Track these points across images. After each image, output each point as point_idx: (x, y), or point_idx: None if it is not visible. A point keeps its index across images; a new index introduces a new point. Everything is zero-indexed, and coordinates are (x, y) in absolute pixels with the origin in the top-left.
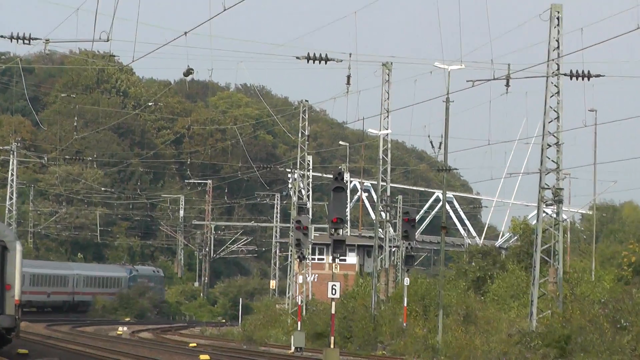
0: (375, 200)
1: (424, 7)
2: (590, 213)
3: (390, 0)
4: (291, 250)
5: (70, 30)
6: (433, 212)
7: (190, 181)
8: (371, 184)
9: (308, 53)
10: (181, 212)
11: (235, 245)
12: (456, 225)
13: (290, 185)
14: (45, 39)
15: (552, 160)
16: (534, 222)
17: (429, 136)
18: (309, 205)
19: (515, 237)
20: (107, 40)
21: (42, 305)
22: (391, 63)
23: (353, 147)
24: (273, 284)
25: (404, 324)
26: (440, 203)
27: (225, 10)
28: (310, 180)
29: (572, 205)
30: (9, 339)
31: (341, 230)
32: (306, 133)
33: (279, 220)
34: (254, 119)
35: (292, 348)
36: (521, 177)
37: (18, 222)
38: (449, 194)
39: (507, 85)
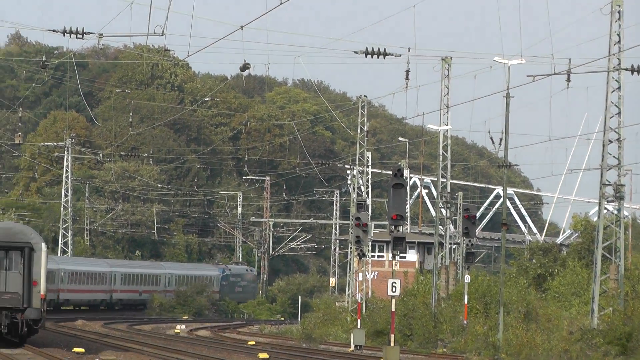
0: (436, 197)
1: (483, 1)
2: None
3: None
4: (351, 248)
5: (124, 24)
6: (494, 209)
7: (247, 178)
8: (431, 180)
9: (366, 47)
10: (239, 209)
11: (294, 243)
12: (517, 222)
13: (349, 182)
14: (99, 33)
15: (614, 157)
16: (595, 218)
17: (489, 132)
18: (369, 202)
19: (576, 234)
20: (162, 35)
21: (134, 304)
22: (451, 58)
23: (412, 143)
24: (332, 281)
25: (465, 322)
26: (501, 199)
27: (281, 3)
28: (370, 176)
29: (634, 202)
30: (36, 330)
31: (401, 227)
32: (365, 129)
33: (338, 217)
34: (312, 114)
35: (352, 346)
36: (582, 173)
37: (73, 219)
38: (510, 191)
39: (568, 80)
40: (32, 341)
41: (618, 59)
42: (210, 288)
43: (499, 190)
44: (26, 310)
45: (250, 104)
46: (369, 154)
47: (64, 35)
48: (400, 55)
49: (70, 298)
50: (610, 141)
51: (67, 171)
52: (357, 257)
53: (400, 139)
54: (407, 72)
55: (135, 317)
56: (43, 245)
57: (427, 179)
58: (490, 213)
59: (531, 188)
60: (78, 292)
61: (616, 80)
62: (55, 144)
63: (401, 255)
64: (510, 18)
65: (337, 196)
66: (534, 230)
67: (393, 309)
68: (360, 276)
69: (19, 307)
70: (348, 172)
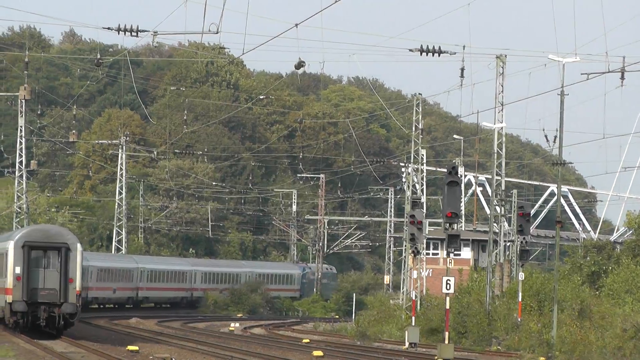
0: (490, 195)
1: None
2: None
3: None
4: (405, 245)
5: (179, 22)
6: (548, 207)
7: (302, 175)
8: (485, 178)
9: (421, 45)
10: (294, 207)
11: (348, 240)
12: (571, 220)
13: (404, 180)
14: (153, 31)
15: None
16: None
17: (543, 129)
18: (423, 199)
19: (631, 232)
20: (217, 32)
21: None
22: (505, 55)
23: (467, 141)
24: (387, 279)
25: (519, 319)
26: (555, 197)
27: (336, 1)
28: (424, 174)
29: None
30: (72, 323)
31: (455, 224)
32: (420, 126)
33: (392, 215)
34: (367, 112)
35: (406, 344)
36: (637, 170)
37: (128, 217)
38: (564, 188)
39: (622, 78)
40: (69, 333)
41: None
42: (290, 286)
43: (553, 187)
44: (63, 305)
45: (305, 102)
46: (423, 152)
47: (118, 33)
48: (455, 53)
49: (150, 296)
50: None
51: (121, 169)
52: (412, 254)
53: (455, 136)
54: (462, 69)
55: (190, 315)
56: (79, 245)
57: (482, 177)
58: (545, 211)
59: (585, 186)
60: (158, 289)
61: None
62: (109, 141)
63: (455, 252)
64: (565, 16)
65: (391, 194)
66: (588, 227)
67: (447, 307)
68: (414, 274)
69: (56, 302)
70: (403, 169)
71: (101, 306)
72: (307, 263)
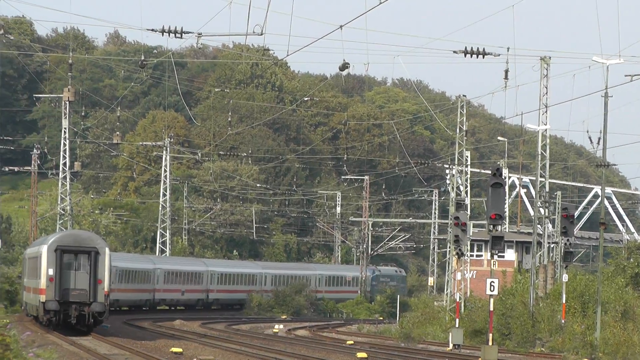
0: (534, 196)
1: (582, 1)
2: None
3: None
4: (449, 247)
5: (223, 23)
6: (592, 208)
7: (346, 177)
8: (530, 179)
9: (465, 47)
10: (338, 209)
11: (392, 242)
12: (614, 221)
13: (448, 181)
14: (198, 32)
15: None
16: None
17: (587, 131)
18: (467, 201)
19: None
20: (261, 34)
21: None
22: (549, 57)
23: (511, 143)
24: (431, 280)
25: (562, 321)
26: (599, 199)
27: (381, 3)
28: (469, 176)
29: None
30: (100, 320)
31: (500, 226)
32: (464, 128)
33: (437, 217)
34: (411, 114)
35: (450, 345)
36: None
37: (172, 218)
38: (608, 190)
39: None
40: (98, 331)
41: None
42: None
43: (597, 189)
44: (92, 304)
45: (350, 104)
46: (467, 154)
47: (162, 35)
48: (499, 55)
49: (220, 297)
50: None
51: (165, 171)
52: (456, 256)
53: (499, 138)
54: (506, 71)
55: (234, 317)
56: (107, 249)
57: (526, 179)
58: (589, 212)
59: (629, 187)
60: (227, 292)
61: None
62: (153, 143)
63: (499, 254)
64: (609, 18)
65: (436, 195)
66: (632, 229)
67: (491, 308)
68: (458, 275)
69: (86, 302)
70: (447, 171)
71: (171, 308)
72: (377, 266)
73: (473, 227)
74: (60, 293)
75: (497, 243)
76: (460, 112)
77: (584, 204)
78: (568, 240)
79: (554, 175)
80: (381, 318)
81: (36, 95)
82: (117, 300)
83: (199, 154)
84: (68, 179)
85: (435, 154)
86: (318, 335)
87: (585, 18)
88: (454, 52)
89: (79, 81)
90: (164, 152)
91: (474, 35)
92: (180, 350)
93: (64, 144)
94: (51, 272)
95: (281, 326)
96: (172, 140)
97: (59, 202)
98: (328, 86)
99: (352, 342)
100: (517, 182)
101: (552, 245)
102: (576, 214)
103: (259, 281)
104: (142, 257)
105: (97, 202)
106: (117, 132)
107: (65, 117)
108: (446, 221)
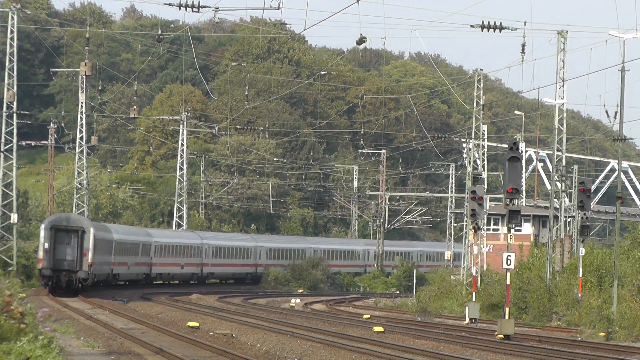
0: (551, 170)
1: None
2: None
3: None
4: (466, 221)
5: None
6: (608, 182)
7: (363, 151)
8: (546, 153)
9: (482, 21)
10: (355, 183)
11: (409, 216)
12: (631, 195)
13: (465, 155)
14: (215, 7)
15: None
16: None
17: (604, 105)
18: (484, 175)
19: None
20: (278, 8)
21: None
22: (566, 31)
23: (528, 117)
24: (448, 254)
25: (579, 295)
26: (616, 173)
27: None
28: (486, 150)
29: None
30: (85, 286)
31: (516, 200)
32: (481, 102)
33: (453, 191)
34: (428, 88)
35: (467, 319)
36: None
37: (189, 192)
38: (625, 164)
39: None
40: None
41: None
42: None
43: (614, 163)
44: (78, 272)
45: (367, 78)
46: (484, 127)
47: (179, 9)
48: (516, 29)
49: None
50: None
51: (182, 145)
52: (473, 230)
53: (516, 112)
54: (523, 45)
55: (251, 291)
56: (92, 229)
57: (543, 153)
58: (605, 186)
59: None
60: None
61: None
62: (170, 117)
63: (516, 228)
64: None
65: (452, 169)
66: None
67: (508, 282)
68: (475, 249)
69: (73, 270)
70: (464, 145)
71: (166, 282)
72: None
73: (490, 200)
74: (53, 262)
75: (513, 217)
76: (477, 86)
77: (600, 177)
78: (585, 214)
79: (570, 149)
80: (398, 292)
81: (53, 70)
82: (168, 274)
83: (216, 128)
84: (85, 153)
85: (452, 128)
86: (335, 309)
87: None
88: (471, 26)
89: (96, 55)
90: (181, 126)
91: (491, 9)
92: (197, 324)
93: (81, 118)
94: (47, 245)
95: (298, 300)
96: (189, 114)
97: (75, 177)
98: (345, 60)
99: (368, 316)
100: (534, 156)
101: (568, 219)
102: (593, 187)
103: (253, 255)
104: (190, 233)
105: (114, 176)
106: (134, 107)
107: (82, 92)
108: (463, 195)
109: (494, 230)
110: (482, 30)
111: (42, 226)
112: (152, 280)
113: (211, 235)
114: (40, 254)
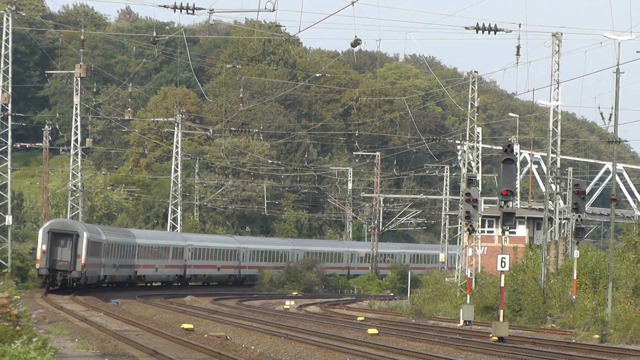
0: (545, 173)
1: None
2: None
3: None
4: (460, 223)
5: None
6: (603, 184)
7: (358, 153)
8: (541, 155)
9: (477, 23)
10: (349, 185)
11: (404, 218)
12: (626, 197)
13: (459, 157)
14: (210, 9)
15: None
16: None
17: (599, 108)
18: (479, 177)
19: None
20: (273, 10)
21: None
22: (561, 34)
23: (523, 119)
24: (442, 256)
25: (574, 297)
26: (611, 175)
27: None
28: (480, 152)
29: None
30: (79, 285)
31: (511, 202)
32: (475, 104)
33: (448, 193)
34: (423, 90)
35: (461, 321)
36: None
37: (183, 195)
38: (619, 166)
39: None
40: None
41: None
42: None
43: (608, 165)
44: (72, 272)
45: (361, 80)
46: (479, 130)
47: (174, 11)
48: (511, 31)
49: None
50: None
51: (177, 147)
52: (467, 232)
53: (510, 114)
54: (518, 48)
55: (245, 293)
56: (85, 233)
57: (537, 155)
58: (600, 188)
59: None
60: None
61: None
62: (165, 119)
63: (511, 230)
64: None
65: (447, 171)
66: None
67: (502, 285)
68: (470, 251)
69: (67, 270)
70: (458, 147)
71: (148, 284)
72: None
73: (484, 203)
74: (50, 263)
75: (508, 219)
76: (472, 88)
77: (595, 180)
78: (579, 216)
79: (565, 152)
80: (392, 294)
81: (48, 72)
82: (203, 276)
83: (211, 130)
84: (79, 156)
85: (446, 130)
86: (329, 311)
87: None
88: (466, 28)
89: (90, 57)
90: (176, 128)
91: (486, 11)
92: (191, 326)
93: (76, 121)
94: (44, 247)
95: (292, 302)
96: (183, 116)
97: (70, 179)
98: (340, 62)
99: (363, 318)
100: (528, 158)
101: (563, 222)
102: (587, 190)
103: (237, 257)
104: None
105: (109, 178)
106: (129, 109)
107: (77, 94)
108: (457, 197)
109: (488, 232)
110: (477, 32)
111: (41, 230)
112: (136, 282)
113: (194, 236)
114: (39, 255)
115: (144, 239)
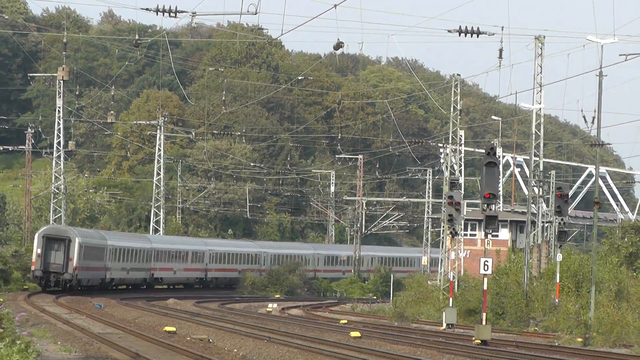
0: (528, 176)
1: None
2: None
3: None
4: (443, 226)
5: (218, 3)
6: (586, 188)
7: (340, 156)
8: (524, 159)
9: (460, 26)
10: (332, 188)
11: (386, 221)
12: (609, 201)
13: (442, 160)
14: (192, 11)
15: None
16: None
17: (582, 111)
18: (461, 180)
19: None
20: (255, 13)
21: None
22: (544, 37)
23: (505, 122)
24: (425, 260)
25: (556, 300)
26: (593, 178)
27: None
28: (463, 155)
29: None
30: (70, 286)
31: (493, 205)
32: (458, 107)
33: (430, 196)
34: (406, 93)
35: (444, 325)
36: None
37: (166, 197)
38: (602, 169)
39: None
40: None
41: None
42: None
43: (591, 169)
44: (64, 274)
45: (344, 83)
46: (462, 133)
47: (157, 14)
48: (493, 34)
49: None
50: None
51: (159, 150)
52: (450, 235)
53: (493, 117)
54: (501, 51)
55: (228, 296)
56: (77, 238)
57: (520, 158)
58: (583, 192)
59: (623, 167)
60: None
61: None
62: (147, 122)
63: (493, 233)
64: None
65: (429, 174)
66: (626, 208)
67: (485, 288)
68: (452, 255)
69: (60, 272)
70: (441, 150)
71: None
72: None
73: (467, 206)
74: (43, 265)
75: (491, 222)
76: (455, 91)
77: (578, 183)
78: (562, 219)
79: (548, 155)
80: (375, 297)
81: (30, 75)
82: (216, 279)
83: (193, 133)
84: (62, 158)
85: (429, 133)
86: (311, 314)
87: None
88: (449, 31)
89: (73, 60)
90: (158, 131)
91: (469, 14)
92: (174, 329)
93: (58, 123)
94: (39, 251)
95: (275, 305)
96: (166, 119)
97: (53, 181)
98: (322, 65)
99: (345, 321)
100: (511, 162)
101: (546, 225)
102: (570, 193)
103: (203, 259)
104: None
105: (92, 181)
106: (112, 111)
107: (60, 96)
108: (440, 200)
109: (471, 235)
110: (460, 35)
111: (37, 235)
112: (107, 285)
113: (160, 238)
114: (34, 258)
115: (115, 241)
